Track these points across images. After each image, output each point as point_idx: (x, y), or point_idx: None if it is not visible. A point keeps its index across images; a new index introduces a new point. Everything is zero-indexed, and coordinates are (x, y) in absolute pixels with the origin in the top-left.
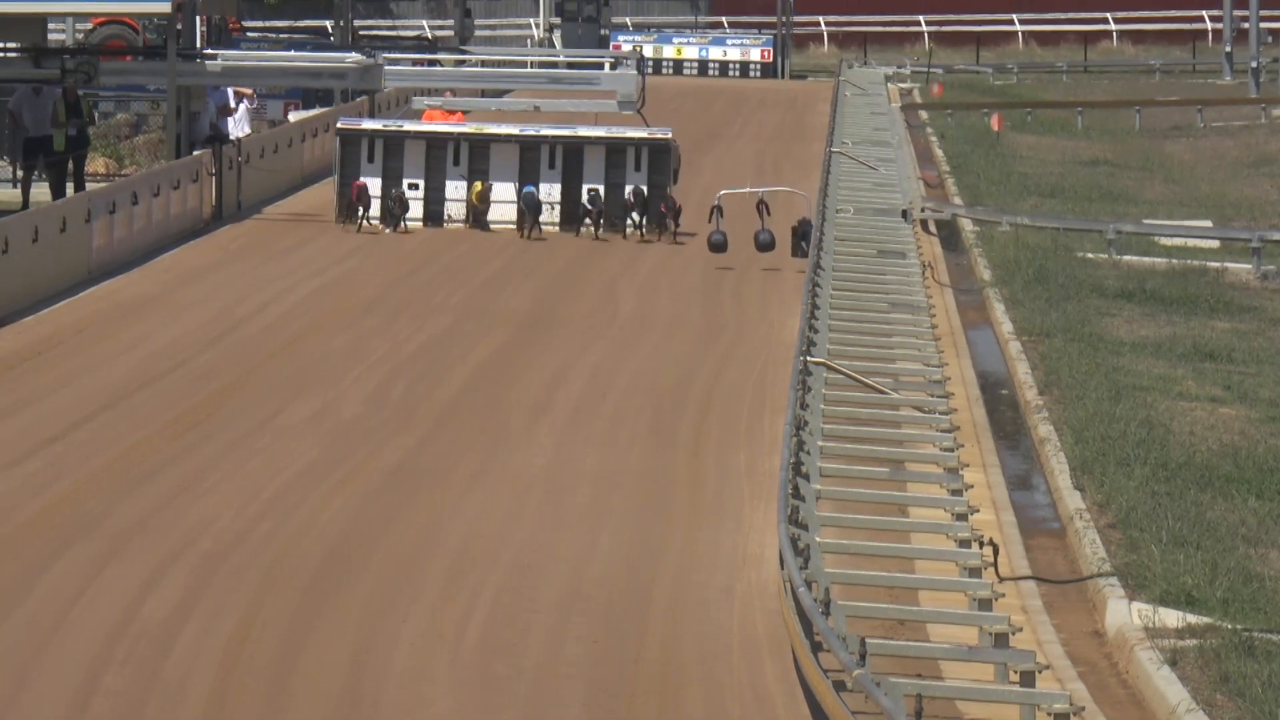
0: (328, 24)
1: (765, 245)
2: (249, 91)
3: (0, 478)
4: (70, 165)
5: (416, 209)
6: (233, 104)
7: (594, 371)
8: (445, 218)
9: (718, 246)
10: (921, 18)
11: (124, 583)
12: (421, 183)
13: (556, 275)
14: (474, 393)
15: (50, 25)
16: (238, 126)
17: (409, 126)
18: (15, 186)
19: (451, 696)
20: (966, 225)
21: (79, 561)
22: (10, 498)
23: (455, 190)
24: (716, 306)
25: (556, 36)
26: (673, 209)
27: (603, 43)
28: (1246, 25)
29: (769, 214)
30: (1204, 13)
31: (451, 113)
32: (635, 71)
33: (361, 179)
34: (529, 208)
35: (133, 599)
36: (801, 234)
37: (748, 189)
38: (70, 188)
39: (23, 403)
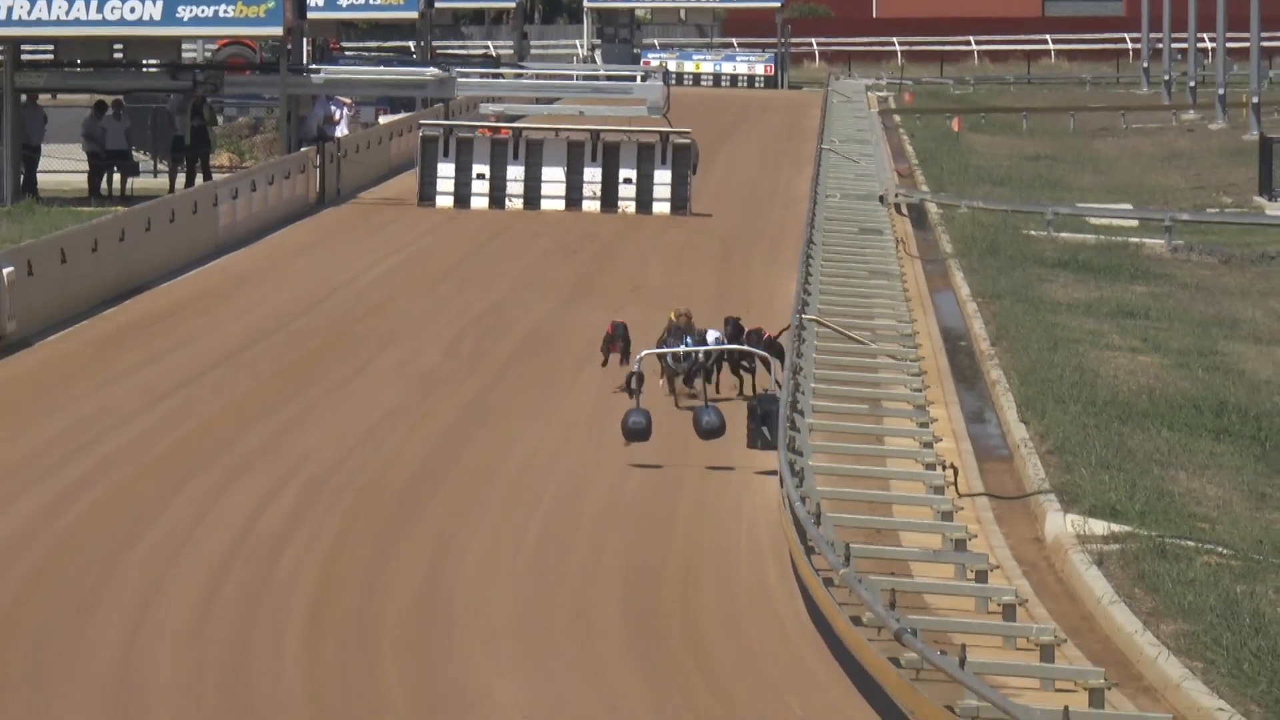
0: (410, 44)
1: (710, 431)
2: (348, 100)
3: (142, 415)
4: (198, 160)
5: (483, 193)
6: (335, 115)
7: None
8: (505, 202)
9: (635, 434)
10: (895, 39)
11: (243, 501)
12: (487, 171)
13: (597, 251)
14: (530, 346)
15: (184, 46)
16: (339, 128)
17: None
18: (155, 176)
19: (513, 589)
20: (932, 208)
21: (206, 484)
22: (150, 432)
23: (515, 177)
24: (728, 275)
25: (597, 54)
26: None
27: (635, 59)
28: (1160, 46)
29: (707, 377)
30: (1126, 35)
31: (498, 129)
32: (661, 83)
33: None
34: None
35: (250, 514)
36: (762, 415)
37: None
38: (199, 178)
39: (159, 354)
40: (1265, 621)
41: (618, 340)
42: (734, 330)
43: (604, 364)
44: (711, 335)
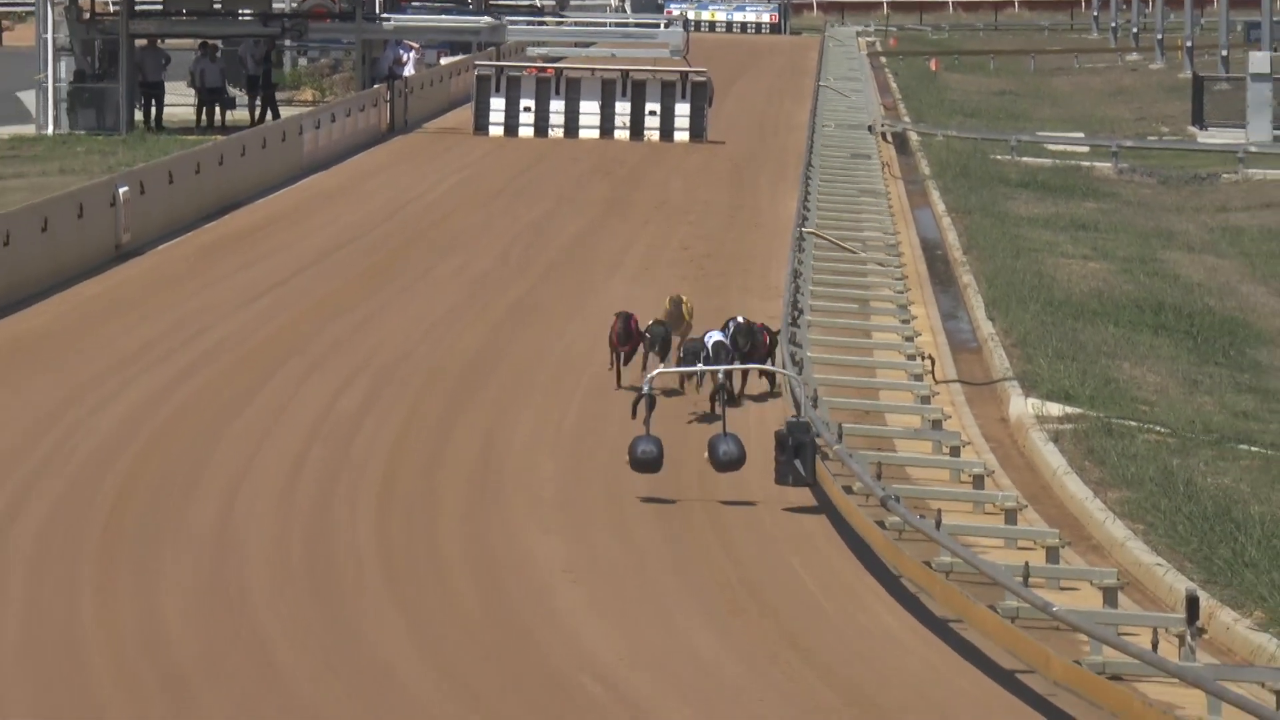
0: None
1: (728, 463)
2: (414, 44)
3: (238, 313)
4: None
5: (529, 124)
6: (404, 57)
7: (654, 241)
8: (548, 131)
9: (645, 464)
10: None
11: (324, 387)
12: (533, 105)
13: (627, 173)
14: (569, 254)
15: None
16: (406, 68)
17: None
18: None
19: (554, 462)
20: (913, 136)
21: (294, 371)
22: (248, 326)
23: (556, 110)
24: (739, 193)
25: (627, 4)
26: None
27: (659, 9)
28: None
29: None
30: None
31: (543, 69)
32: (681, 29)
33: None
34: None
35: (330, 398)
36: (794, 447)
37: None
38: (269, 114)
39: (253, 261)
40: (1196, 490)
41: (630, 341)
42: (745, 332)
43: (613, 367)
44: (712, 338)
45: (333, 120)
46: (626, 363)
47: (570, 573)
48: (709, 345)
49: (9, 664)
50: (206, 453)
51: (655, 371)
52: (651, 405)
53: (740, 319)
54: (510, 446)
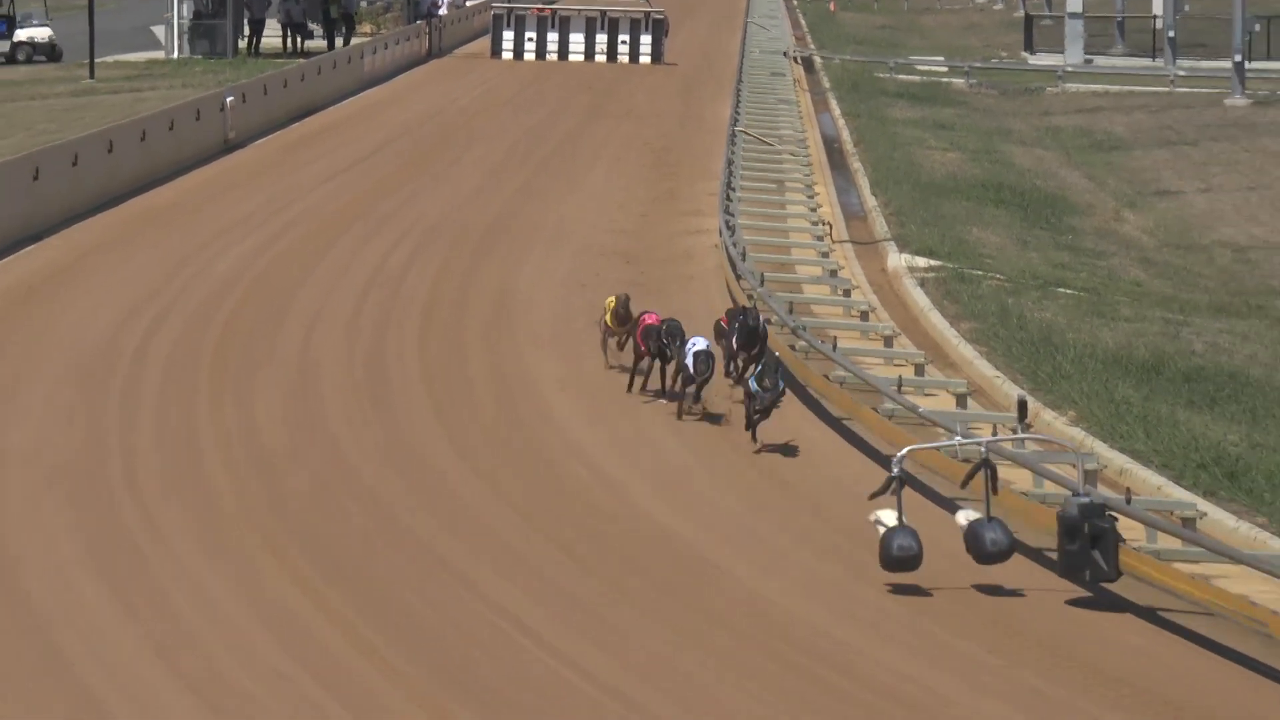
0: None
1: (997, 554)
2: None
3: (318, 190)
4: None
5: (532, 50)
6: (439, 1)
7: (625, 138)
8: (546, 56)
9: (903, 563)
10: None
11: (379, 246)
12: (535, 36)
13: (605, 87)
14: (561, 148)
15: None
16: (442, 9)
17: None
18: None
19: (549, 305)
20: (817, 60)
21: (356, 235)
22: (322, 201)
23: (552, 40)
24: (688, 102)
25: None
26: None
27: None
28: None
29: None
30: None
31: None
32: None
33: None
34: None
35: (384, 254)
36: (1092, 536)
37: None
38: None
39: (327, 152)
40: (1026, 322)
41: (651, 340)
42: (749, 324)
43: (631, 380)
44: (698, 345)
45: (385, 48)
46: (647, 374)
47: (562, 386)
48: (691, 355)
49: (147, 450)
50: (291, 296)
51: (906, 449)
52: (902, 485)
53: (744, 315)
54: (517, 291)
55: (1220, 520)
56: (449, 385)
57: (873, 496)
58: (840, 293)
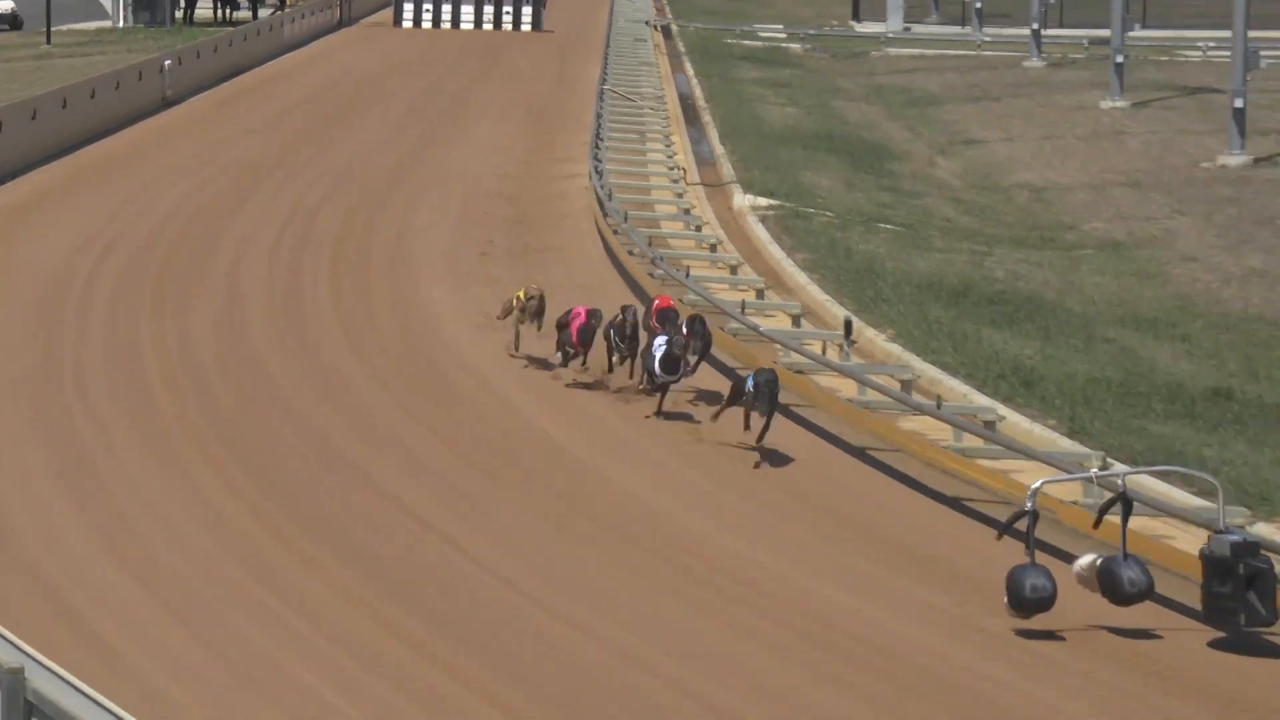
0: None
1: (1136, 595)
2: None
3: (246, 140)
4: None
5: (429, 19)
6: None
7: (509, 96)
8: (441, 24)
9: (1037, 604)
10: None
11: (297, 189)
12: (432, 6)
13: (492, 52)
14: (455, 103)
15: None
16: None
17: None
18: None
19: (444, 238)
20: (674, 28)
21: (278, 179)
22: (250, 149)
23: (447, 9)
24: (564, 65)
25: None
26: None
27: None
28: None
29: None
30: None
31: None
32: None
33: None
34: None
35: (300, 195)
36: (1248, 578)
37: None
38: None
39: (254, 107)
40: (851, 253)
41: (587, 343)
42: (696, 330)
43: (582, 364)
44: (660, 348)
45: (303, 17)
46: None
47: (456, 311)
48: (658, 355)
49: (97, 362)
50: (221, 231)
51: (1040, 482)
52: (1035, 520)
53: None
54: (415, 227)
55: (1017, 423)
56: (356, 310)
57: (1001, 533)
58: (693, 228)
